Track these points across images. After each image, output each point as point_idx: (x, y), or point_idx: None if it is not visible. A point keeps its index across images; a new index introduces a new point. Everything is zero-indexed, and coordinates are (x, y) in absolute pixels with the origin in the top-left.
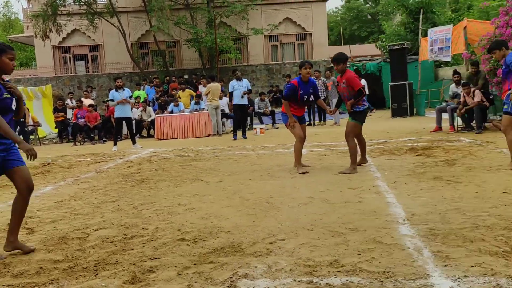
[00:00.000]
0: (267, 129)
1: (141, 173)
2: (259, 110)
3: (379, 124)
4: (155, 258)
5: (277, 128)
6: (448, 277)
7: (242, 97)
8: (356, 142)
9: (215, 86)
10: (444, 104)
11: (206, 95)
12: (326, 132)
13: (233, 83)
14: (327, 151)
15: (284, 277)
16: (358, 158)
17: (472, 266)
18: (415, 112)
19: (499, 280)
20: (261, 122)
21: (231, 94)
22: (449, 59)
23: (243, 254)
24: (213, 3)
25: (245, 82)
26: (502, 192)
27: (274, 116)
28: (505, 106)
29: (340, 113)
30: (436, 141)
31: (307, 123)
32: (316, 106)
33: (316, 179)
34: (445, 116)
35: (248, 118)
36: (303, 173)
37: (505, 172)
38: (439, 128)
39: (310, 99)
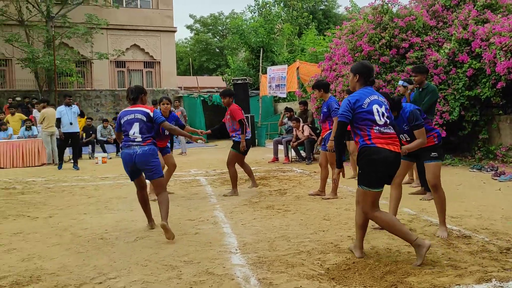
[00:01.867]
0: (110, 158)
1: None
2: (101, 138)
3: (223, 154)
4: None
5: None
6: None
7: (71, 123)
8: (243, 169)
9: (51, 111)
10: (280, 137)
11: (41, 122)
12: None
13: (61, 108)
14: (170, 181)
15: None
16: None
17: None
18: (256, 142)
19: None
20: (104, 151)
21: (58, 120)
22: (284, 95)
23: None
24: (53, 22)
25: (75, 108)
26: (322, 219)
27: (118, 144)
28: (327, 146)
29: (187, 142)
30: (272, 171)
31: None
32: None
33: (155, 211)
34: (281, 147)
35: (90, 146)
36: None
37: (327, 201)
38: (276, 158)
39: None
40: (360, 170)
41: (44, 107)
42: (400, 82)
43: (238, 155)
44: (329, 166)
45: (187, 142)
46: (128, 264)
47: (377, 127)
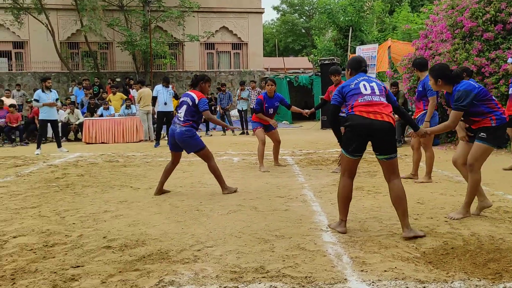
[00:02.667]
0: (200, 136)
1: (66, 178)
2: None
3: (308, 135)
4: (78, 266)
5: (211, 135)
6: (364, 281)
7: (166, 103)
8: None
9: (147, 91)
10: None
11: (139, 102)
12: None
13: (158, 88)
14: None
15: (210, 283)
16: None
17: (385, 270)
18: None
19: (408, 284)
20: None
21: (154, 99)
22: (374, 75)
23: (170, 261)
24: (149, 7)
25: (171, 90)
26: (415, 202)
27: (208, 124)
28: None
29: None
30: None
31: (240, 132)
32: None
33: (246, 187)
34: None
35: None
36: (264, 171)
37: (420, 184)
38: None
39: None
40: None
41: (140, 88)
42: (510, 60)
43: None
44: (421, 149)
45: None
46: (223, 235)
47: (362, 98)
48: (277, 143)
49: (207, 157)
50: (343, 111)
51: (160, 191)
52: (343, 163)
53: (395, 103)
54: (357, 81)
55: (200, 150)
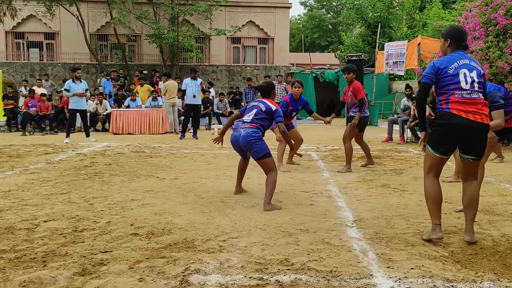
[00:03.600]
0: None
1: (94, 167)
2: (217, 111)
3: (334, 132)
4: (106, 252)
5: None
6: (390, 277)
7: (195, 96)
8: (361, 146)
9: (172, 83)
10: (395, 116)
11: (164, 94)
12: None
13: (187, 81)
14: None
15: (236, 273)
16: (360, 161)
17: (412, 268)
18: (369, 122)
19: (435, 282)
20: (220, 123)
21: (183, 92)
22: (402, 73)
23: (196, 250)
24: (177, 0)
25: (199, 81)
26: (444, 201)
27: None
28: None
29: (298, 118)
30: (386, 151)
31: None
32: None
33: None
34: (396, 127)
35: (207, 118)
36: (284, 171)
37: (448, 183)
38: (390, 138)
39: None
40: (431, 130)
41: (166, 80)
42: None
43: (354, 131)
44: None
45: (298, 119)
46: (248, 227)
47: (460, 92)
48: (299, 141)
49: (270, 168)
50: (353, 110)
51: (240, 189)
52: (429, 161)
53: (487, 91)
54: (457, 65)
55: (265, 156)
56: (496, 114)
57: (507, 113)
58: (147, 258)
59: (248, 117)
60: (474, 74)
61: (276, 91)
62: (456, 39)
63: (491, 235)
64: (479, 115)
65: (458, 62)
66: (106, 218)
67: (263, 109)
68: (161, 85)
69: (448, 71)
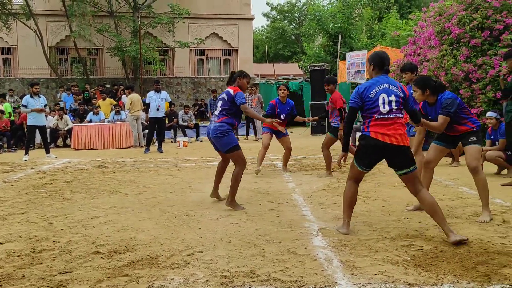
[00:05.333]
0: (190, 142)
1: (54, 184)
2: (183, 123)
3: (299, 141)
4: (66, 272)
5: (201, 141)
6: (354, 284)
7: (158, 109)
8: (324, 154)
9: (136, 96)
10: (359, 124)
11: (129, 107)
12: (252, 147)
13: (151, 94)
14: (249, 165)
15: None
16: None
17: (375, 274)
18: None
19: (398, 287)
20: (185, 135)
21: (147, 105)
22: (364, 81)
23: (160, 267)
24: (139, 13)
25: (164, 94)
26: (405, 206)
27: (198, 129)
28: (414, 130)
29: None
30: (350, 158)
31: (244, 137)
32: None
33: (237, 192)
34: (359, 134)
35: (172, 130)
36: (257, 170)
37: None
38: (353, 145)
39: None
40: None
41: (130, 93)
42: (490, 114)
43: (333, 140)
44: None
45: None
46: (213, 240)
47: (379, 115)
48: (287, 150)
49: (236, 160)
50: (333, 121)
51: (216, 194)
52: (352, 171)
53: (412, 107)
54: (377, 90)
55: (232, 149)
56: (441, 119)
57: (462, 119)
58: (108, 277)
59: (216, 111)
60: (392, 97)
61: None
62: (378, 64)
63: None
64: (395, 137)
65: (379, 86)
66: (66, 237)
67: (226, 97)
68: (124, 98)
69: (370, 95)
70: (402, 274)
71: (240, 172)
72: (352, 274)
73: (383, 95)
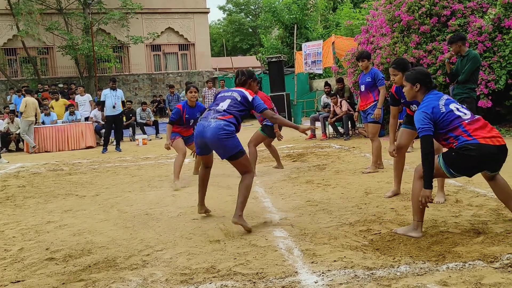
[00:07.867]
0: (150, 140)
1: (6, 190)
2: (141, 121)
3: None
4: (18, 281)
5: (161, 138)
6: (314, 272)
7: (114, 107)
8: (270, 151)
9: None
10: (317, 113)
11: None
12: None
13: (106, 92)
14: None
15: (159, 287)
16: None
17: (335, 260)
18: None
19: (357, 272)
20: (144, 133)
21: (102, 103)
22: (321, 71)
23: (117, 269)
24: (90, 9)
25: (120, 92)
26: (363, 192)
27: (157, 126)
28: (372, 116)
29: None
30: (310, 148)
31: None
32: None
33: (196, 188)
34: (318, 124)
35: (130, 129)
36: (181, 187)
37: (367, 175)
38: (313, 135)
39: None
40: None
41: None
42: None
43: (263, 138)
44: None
45: None
46: (173, 238)
47: (468, 120)
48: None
49: (245, 168)
50: (263, 120)
51: (203, 208)
52: (438, 174)
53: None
54: (443, 102)
55: (238, 155)
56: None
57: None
58: (63, 284)
59: (221, 107)
60: (457, 105)
61: (205, 95)
62: (426, 82)
63: (406, 220)
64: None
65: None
66: (18, 245)
67: (239, 98)
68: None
69: (441, 110)
70: (360, 259)
71: (251, 181)
72: (312, 262)
73: (453, 104)
